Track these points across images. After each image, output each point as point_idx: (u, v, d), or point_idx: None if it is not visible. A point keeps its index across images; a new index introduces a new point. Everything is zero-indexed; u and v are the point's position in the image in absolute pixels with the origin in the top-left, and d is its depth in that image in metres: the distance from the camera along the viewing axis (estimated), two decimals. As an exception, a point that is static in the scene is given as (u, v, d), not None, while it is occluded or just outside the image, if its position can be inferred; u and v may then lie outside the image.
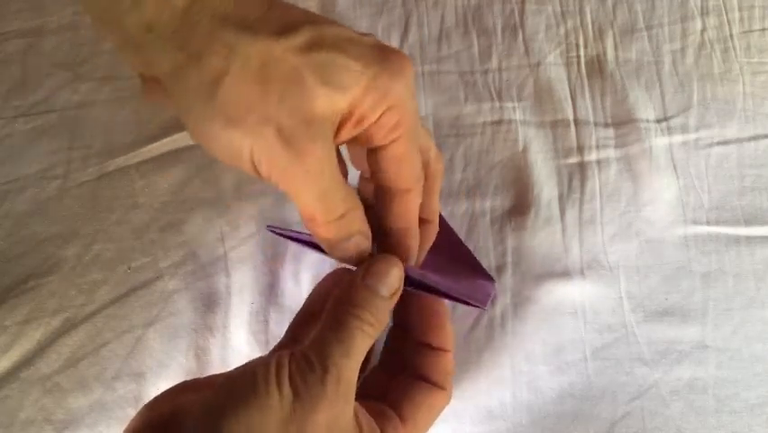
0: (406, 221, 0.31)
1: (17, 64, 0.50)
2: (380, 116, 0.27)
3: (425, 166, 0.32)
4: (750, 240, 0.45)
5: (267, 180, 0.27)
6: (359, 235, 0.29)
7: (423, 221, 0.33)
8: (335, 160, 0.27)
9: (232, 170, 0.46)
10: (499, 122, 0.48)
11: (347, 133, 0.28)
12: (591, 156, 0.47)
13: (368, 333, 0.27)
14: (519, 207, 0.46)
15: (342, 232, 0.29)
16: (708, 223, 0.45)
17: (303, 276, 0.44)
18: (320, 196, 0.27)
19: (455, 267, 0.39)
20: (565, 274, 0.44)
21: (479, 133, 0.48)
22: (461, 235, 0.45)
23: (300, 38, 0.25)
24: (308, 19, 0.27)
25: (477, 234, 0.45)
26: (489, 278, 0.40)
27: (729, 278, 0.44)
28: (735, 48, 0.50)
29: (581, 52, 0.50)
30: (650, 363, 0.42)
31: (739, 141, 0.47)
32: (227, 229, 0.45)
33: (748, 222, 0.45)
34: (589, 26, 0.51)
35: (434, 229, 0.35)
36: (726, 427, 0.41)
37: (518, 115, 0.48)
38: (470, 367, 0.42)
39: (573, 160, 0.47)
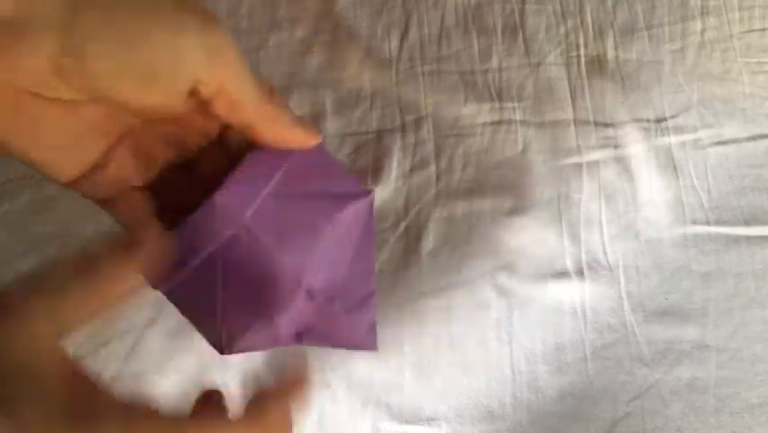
0: None
1: (17, 64, 0.50)
2: None
3: None
4: (750, 240, 0.45)
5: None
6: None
7: None
8: None
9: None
10: (499, 122, 0.48)
11: None
12: (591, 156, 0.47)
13: None
14: (519, 207, 0.46)
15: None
16: (707, 223, 0.45)
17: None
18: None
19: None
20: (565, 274, 0.44)
21: (479, 134, 0.48)
22: (462, 236, 0.45)
23: None
24: None
25: (477, 234, 0.45)
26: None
27: (729, 278, 0.44)
28: (735, 48, 0.50)
29: (582, 52, 0.50)
30: (650, 364, 0.42)
31: (739, 141, 0.47)
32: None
33: (748, 222, 0.45)
34: (590, 26, 0.51)
35: None
36: (727, 427, 0.41)
37: (518, 116, 0.48)
38: (470, 367, 0.42)
39: (573, 160, 0.47)
